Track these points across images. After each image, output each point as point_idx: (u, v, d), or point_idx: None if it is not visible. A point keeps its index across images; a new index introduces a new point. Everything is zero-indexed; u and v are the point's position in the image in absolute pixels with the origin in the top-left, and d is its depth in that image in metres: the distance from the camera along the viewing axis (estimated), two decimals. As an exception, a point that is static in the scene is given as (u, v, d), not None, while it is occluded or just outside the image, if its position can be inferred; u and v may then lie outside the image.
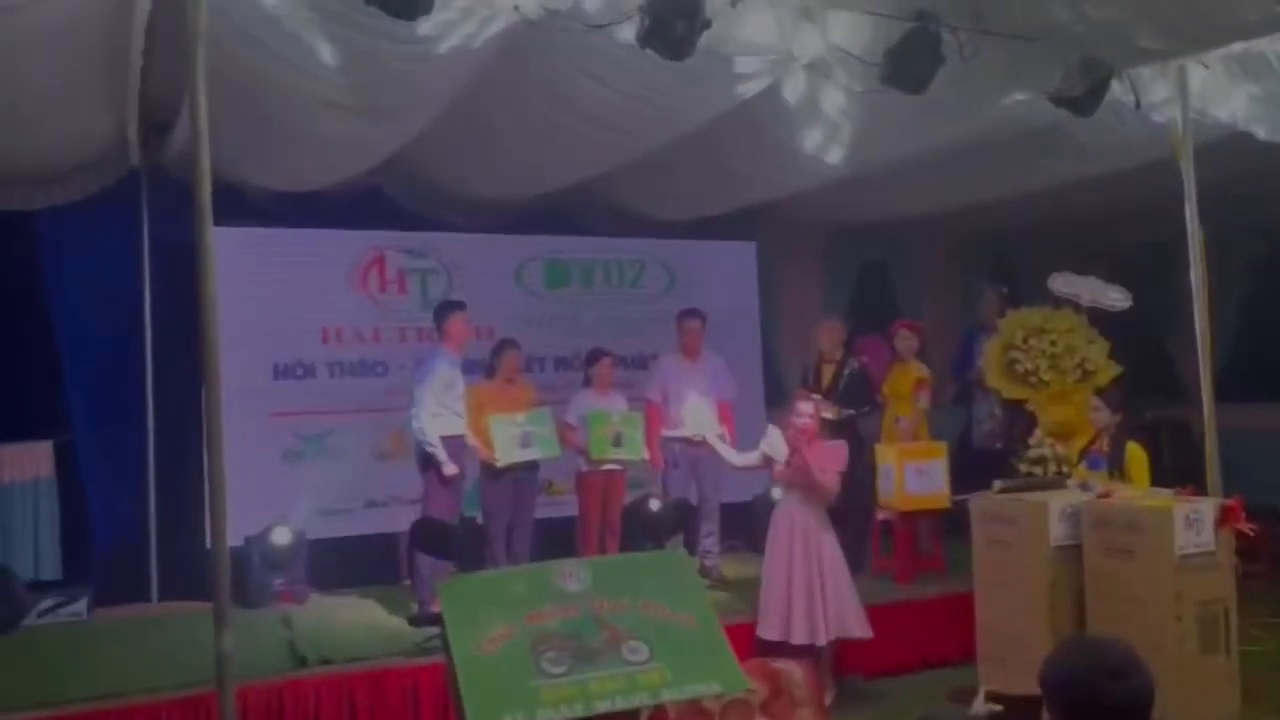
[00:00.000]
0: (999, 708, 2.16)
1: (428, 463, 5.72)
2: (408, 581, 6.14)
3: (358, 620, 5.81)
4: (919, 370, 6.78)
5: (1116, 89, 5.00)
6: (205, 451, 3.48)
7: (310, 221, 6.81)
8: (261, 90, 4.52)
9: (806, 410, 5.31)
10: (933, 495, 6.37)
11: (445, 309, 6.07)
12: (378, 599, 6.26)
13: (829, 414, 6.36)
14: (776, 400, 7.74)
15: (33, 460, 6.23)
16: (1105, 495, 5.03)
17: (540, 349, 7.36)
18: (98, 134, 5.61)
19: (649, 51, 4.00)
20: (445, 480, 5.67)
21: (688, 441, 6.33)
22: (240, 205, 6.24)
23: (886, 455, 6.48)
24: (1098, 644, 1.98)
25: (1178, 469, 6.19)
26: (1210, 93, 5.14)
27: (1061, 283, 6.55)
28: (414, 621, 3.06)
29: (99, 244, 6.51)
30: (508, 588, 2.67)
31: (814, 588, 5.11)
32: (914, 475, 6.42)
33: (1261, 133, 5.29)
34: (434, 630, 2.85)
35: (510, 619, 2.51)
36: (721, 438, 6.03)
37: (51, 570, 6.23)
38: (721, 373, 6.73)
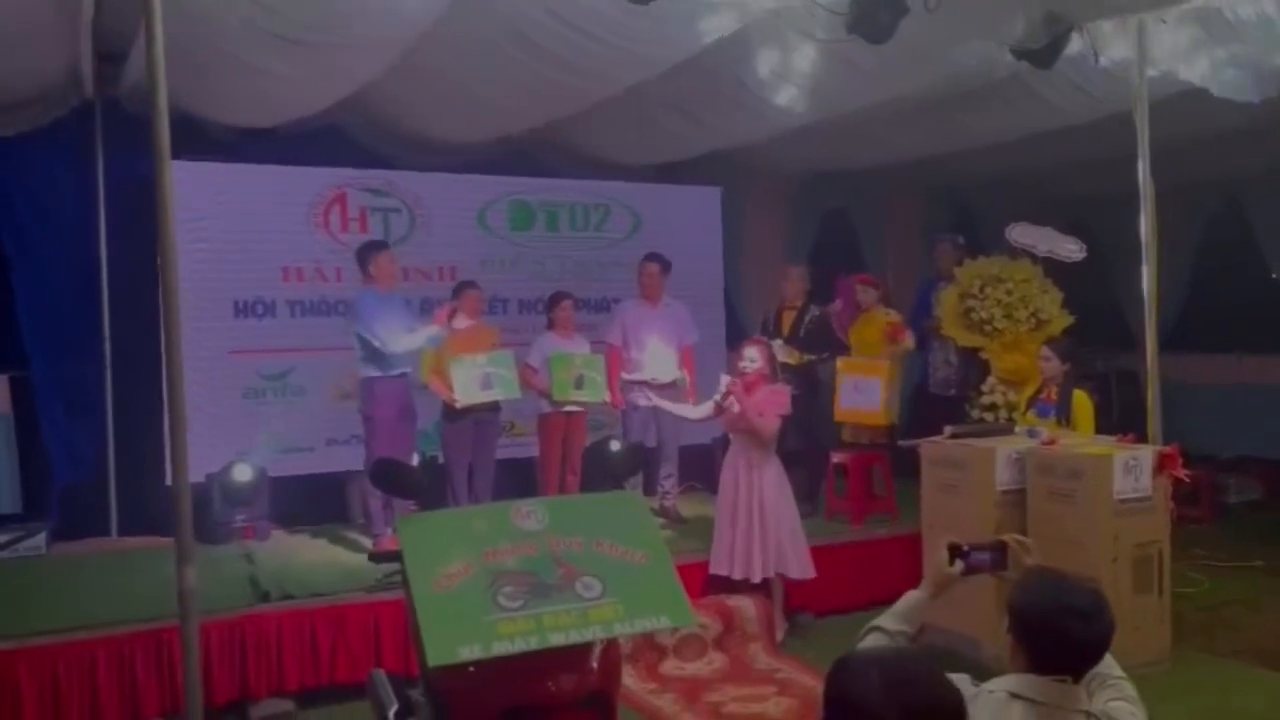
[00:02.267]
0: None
1: (371, 406, 5.79)
2: (363, 521, 6.23)
3: (319, 557, 5.89)
4: (887, 315, 6.80)
5: (1077, 42, 5.06)
6: (165, 388, 3.47)
7: (271, 158, 6.71)
8: (218, 24, 4.44)
9: (753, 355, 5.41)
10: (868, 411, 6.50)
11: (368, 249, 6.01)
12: (339, 535, 6.35)
13: (789, 359, 6.47)
14: (737, 344, 7.82)
15: (-11, 395, 6.19)
16: (1050, 443, 5.20)
17: (504, 291, 7.38)
18: (49, 67, 5.48)
19: (614, -6, 3.99)
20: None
21: (648, 385, 6.41)
22: (199, 139, 6.14)
23: (838, 366, 6.62)
24: (1069, 584, 2.06)
25: (1126, 417, 6.38)
26: (1168, 49, 5.21)
27: (1019, 233, 6.65)
28: (372, 558, 3.12)
29: (53, 177, 6.38)
30: (467, 525, 2.73)
31: (753, 526, 5.29)
32: (851, 389, 6.56)
33: (1215, 89, 5.38)
34: (393, 566, 2.92)
35: (468, 556, 2.58)
36: (681, 382, 6.14)
37: (10, 504, 6.22)
38: (683, 318, 6.79)
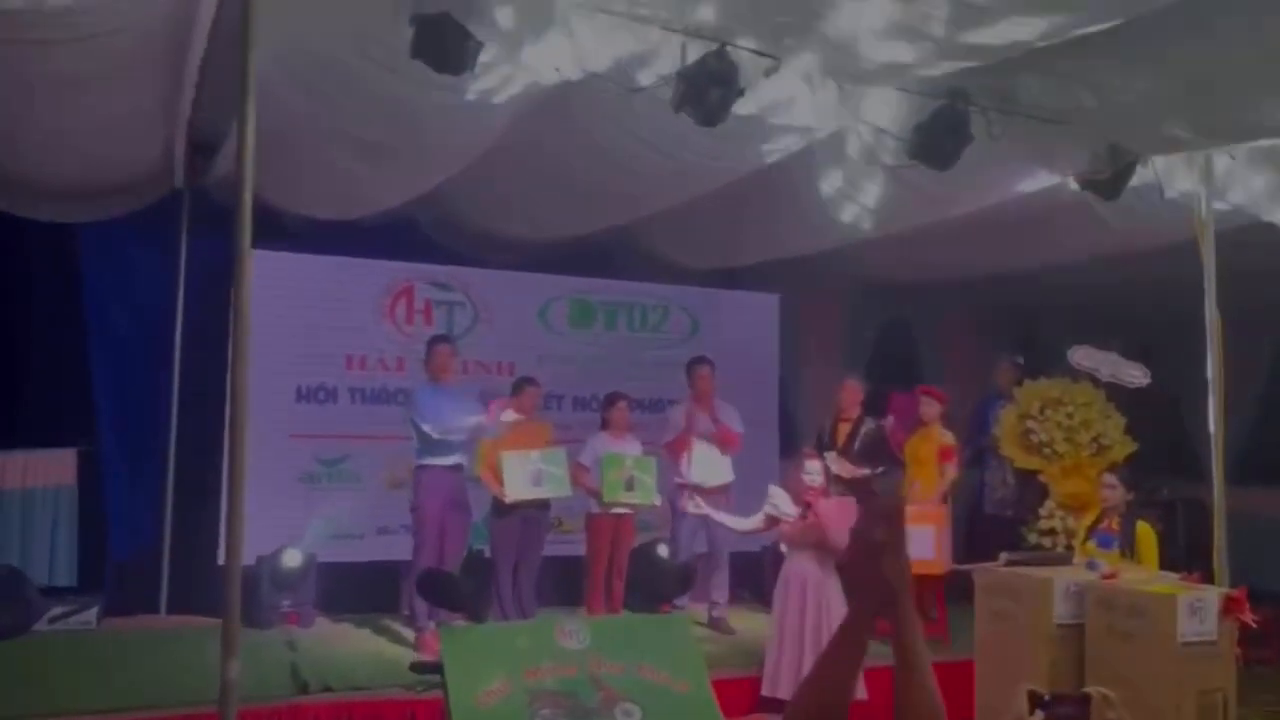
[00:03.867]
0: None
1: (419, 495, 5.86)
2: (408, 612, 6.22)
3: (360, 648, 5.87)
4: (943, 437, 6.71)
5: (1141, 173, 5.07)
6: (225, 469, 3.53)
7: (343, 249, 6.94)
8: (308, 126, 4.68)
9: (815, 469, 5.35)
10: (923, 560, 6.33)
11: (431, 342, 6.24)
12: (382, 626, 6.33)
13: (843, 472, 6.39)
14: (791, 453, 7.77)
15: (57, 467, 6.37)
16: (1111, 576, 5.02)
17: (560, 387, 7.45)
18: (145, 156, 5.78)
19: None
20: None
21: (698, 490, 6.37)
22: (276, 229, 6.36)
23: None
24: None
25: (1193, 549, 6.17)
26: (1234, 181, 5.19)
27: (1081, 356, 6.57)
28: (414, 668, 3.10)
29: (137, 259, 6.68)
30: (509, 641, 2.73)
31: (805, 643, 5.11)
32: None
33: (1284, 224, 5.33)
34: (433, 677, 2.91)
35: (509, 673, 2.57)
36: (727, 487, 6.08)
37: (66, 577, 6.34)
38: (732, 415, 6.77)
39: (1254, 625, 4.90)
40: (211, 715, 4.03)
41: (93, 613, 6.02)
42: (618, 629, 2.98)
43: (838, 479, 6.06)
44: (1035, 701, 2.16)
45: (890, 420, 6.93)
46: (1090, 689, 2.29)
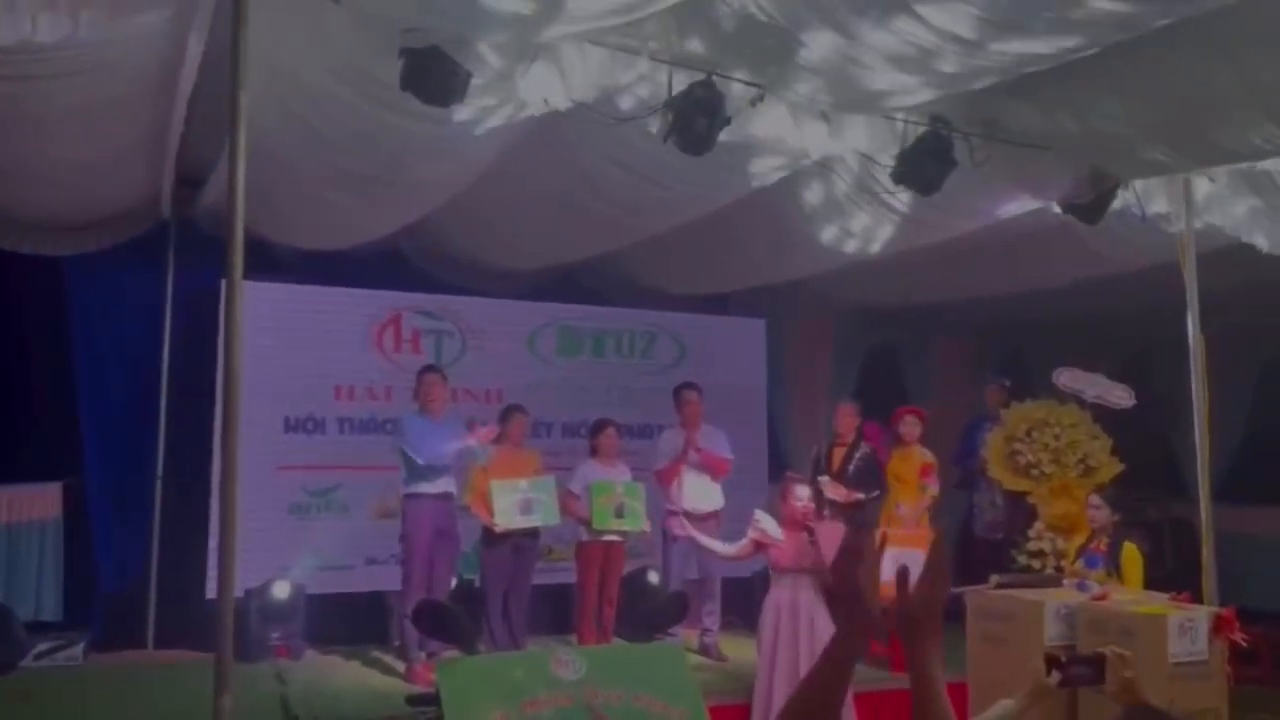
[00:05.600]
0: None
1: (408, 524, 5.83)
2: (398, 643, 6.18)
3: (351, 680, 5.83)
4: (923, 455, 6.80)
5: (1123, 196, 5.14)
6: (214, 502, 3.50)
7: (331, 279, 6.94)
8: (295, 158, 4.69)
9: (804, 494, 5.34)
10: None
11: (420, 372, 6.23)
12: (372, 658, 6.28)
13: (837, 496, 6.41)
14: (779, 477, 7.78)
15: (42, 501, 6.32)
16: (1101, 597, 5.04)
17: (548, 415, 7.43)
18: (132, 190, 5.78)
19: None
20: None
21: (688, 515, 6.36)
22: (263, 259, 6.32)
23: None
24: None
25: (1180, 568, 6.19)
26: (1214, 203, 5.26)
27: (1067, 378, 6.61)
28: (409, 701, 3.08)
29: (123, 291, 6.66)
30: (505, 673, 2.72)
31: (799, 671, 5.06)
32: (890, 562, 6.38)
33: (1264, 245, 5.40)
34: (429, 710, 2.89)
35: (506, 706, 2.56)
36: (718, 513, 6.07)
37: (52, 612, 6.27)
38: (721, 441, 6.77)
39: (1244, 644, 4.92)
40: (202, 752, 4.00)
41: (79, 648, 5.96)
42: (613, 658, 2.98)
43: (831, 503, 6.07)
44: (1052, 663, 2.20)
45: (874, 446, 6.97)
46: (1105, 649, 2.31)
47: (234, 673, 3.31)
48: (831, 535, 5.28)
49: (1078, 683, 2.23)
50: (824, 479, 6.30)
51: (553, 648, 2.75)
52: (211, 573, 5.82)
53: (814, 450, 7.15)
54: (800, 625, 5.15)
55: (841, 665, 1.48)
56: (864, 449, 6.74)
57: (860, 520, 6.64)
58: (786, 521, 5.28)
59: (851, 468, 6.67)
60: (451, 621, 3.11)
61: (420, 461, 5.76)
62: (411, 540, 5.81)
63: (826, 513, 5.68)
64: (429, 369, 6.28)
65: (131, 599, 6.43)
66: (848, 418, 6.88)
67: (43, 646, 5.89)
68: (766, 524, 5.33)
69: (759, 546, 5.37)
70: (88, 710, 5.10)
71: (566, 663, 2.70)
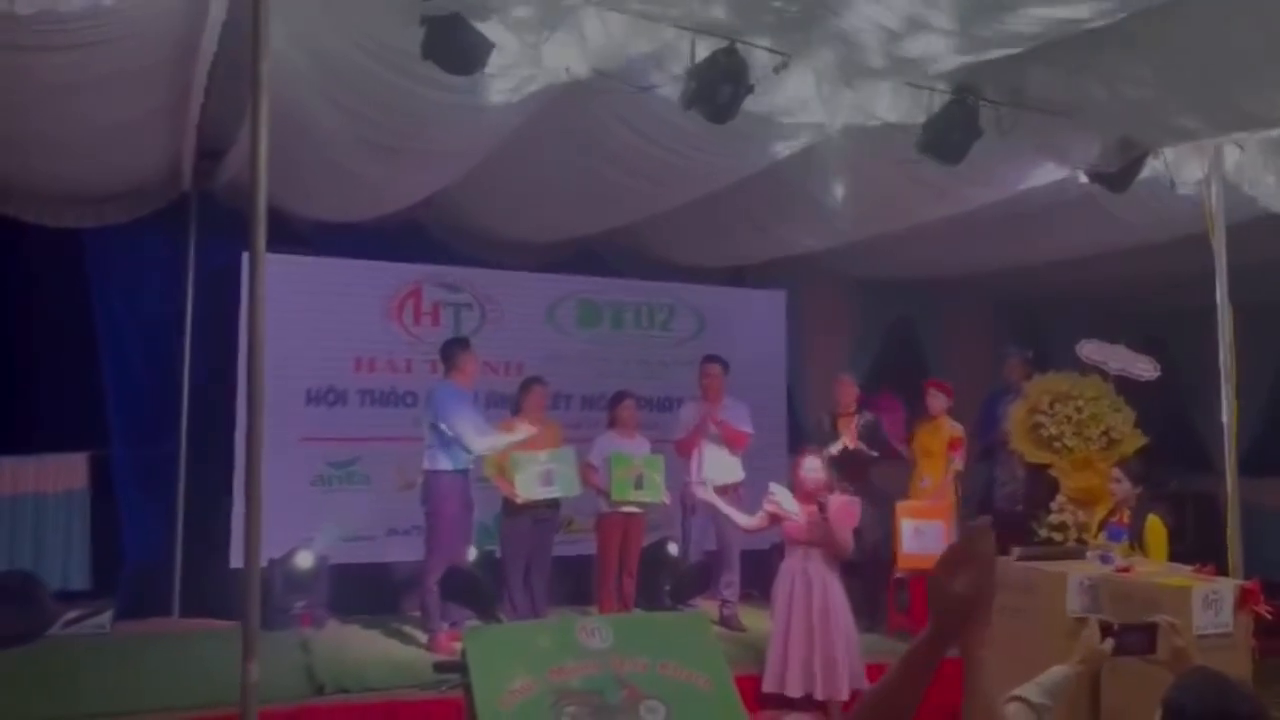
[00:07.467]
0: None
1: (435, 501, 5.83)
2: (419, 612, 6.22)
3: (374, 648, 5.88)
4: (952, 429, 6.76)
5: (1151, 165, 5.06)
6: (239, 473, 3.53)
7: (351, 252, 6.95)
8: (316, 129, 4.67)
9: (814, 466, 5.33)
10: (930, 556, 6.32)
11: (455, 345, 6.21)
12: (393, 627, 6.33)
13: (848, 442, 6.44)
14: (799, 448, 7.77)
15: (69, 472, 6.39)
16: (1124, 570, 5.02)
17: (568, 387, 7.45)
18: (152, 162, 5.78)
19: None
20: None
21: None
22: (284, 231, 6.31)
23: (898, 511, 6.52)
24: (1233, 689, 2.02)
25: (1202, 542, 6.15)
26: (1245, 172, 5.18)
27: (1090, 350, 6.55)
28: (437, 668, 3.11)
29: (145, 264, 6.69)
30: (531, 641, 2.73)
31: (813, 641, 5.07)
32: (912, 533, 6.41)
33: (1294, 215, 5.32)
34: (454, 677, 2.91)
35: (533, 673, 2.58)
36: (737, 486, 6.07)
37: (80, 581, 6.36)
38: (742, 414, 6.78)
39: (1269, 617, 4.89)
40: (229, 716, 4.05)
41: (107, 616, 6.04)
42: (639, 627, 2.99)
43: (841, 463, 6.09)
44: (1106, 631, 2.23)
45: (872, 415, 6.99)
46: (1157, 618, 2.33)
47: (259, 640, 3.35)
48: (846, 510, 5.27)
49: (1131, 650, 2.23)
50: (834, 446, 6.36)
51: (578, 616, 2.77)
52: (236, 543, 5.88)
53: (819, 420, 7.16)
54: (814, 593, 5.18)
55: (922, 668, 1.49)
56: (866, 416, 6.77)
57: (874, 490, 6.65)
58: (798, 494, 5.28)
59: (857, 433, 6.69)
60: (479, 588, 3.13)
61: (462, 444, 5.76)
62: (439, 518, 5.82)
63: (835, 484, 5.67)
64: (462, 343, 6.26)
65: (157, 568, 6.50)
66: (847, 389, 6.92)
67: (71, 615, 5.97)
68: (781, 497, 5.33)
69: (774, 519, 5.38)
70: (116, 676, 5.16)
71: (593, 631, 2.71)
